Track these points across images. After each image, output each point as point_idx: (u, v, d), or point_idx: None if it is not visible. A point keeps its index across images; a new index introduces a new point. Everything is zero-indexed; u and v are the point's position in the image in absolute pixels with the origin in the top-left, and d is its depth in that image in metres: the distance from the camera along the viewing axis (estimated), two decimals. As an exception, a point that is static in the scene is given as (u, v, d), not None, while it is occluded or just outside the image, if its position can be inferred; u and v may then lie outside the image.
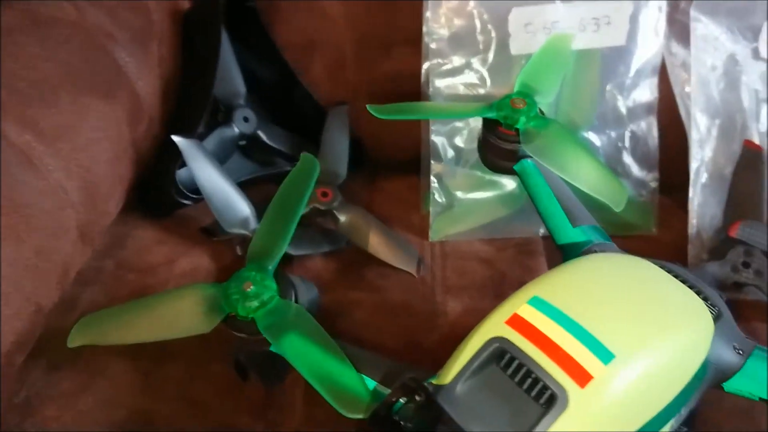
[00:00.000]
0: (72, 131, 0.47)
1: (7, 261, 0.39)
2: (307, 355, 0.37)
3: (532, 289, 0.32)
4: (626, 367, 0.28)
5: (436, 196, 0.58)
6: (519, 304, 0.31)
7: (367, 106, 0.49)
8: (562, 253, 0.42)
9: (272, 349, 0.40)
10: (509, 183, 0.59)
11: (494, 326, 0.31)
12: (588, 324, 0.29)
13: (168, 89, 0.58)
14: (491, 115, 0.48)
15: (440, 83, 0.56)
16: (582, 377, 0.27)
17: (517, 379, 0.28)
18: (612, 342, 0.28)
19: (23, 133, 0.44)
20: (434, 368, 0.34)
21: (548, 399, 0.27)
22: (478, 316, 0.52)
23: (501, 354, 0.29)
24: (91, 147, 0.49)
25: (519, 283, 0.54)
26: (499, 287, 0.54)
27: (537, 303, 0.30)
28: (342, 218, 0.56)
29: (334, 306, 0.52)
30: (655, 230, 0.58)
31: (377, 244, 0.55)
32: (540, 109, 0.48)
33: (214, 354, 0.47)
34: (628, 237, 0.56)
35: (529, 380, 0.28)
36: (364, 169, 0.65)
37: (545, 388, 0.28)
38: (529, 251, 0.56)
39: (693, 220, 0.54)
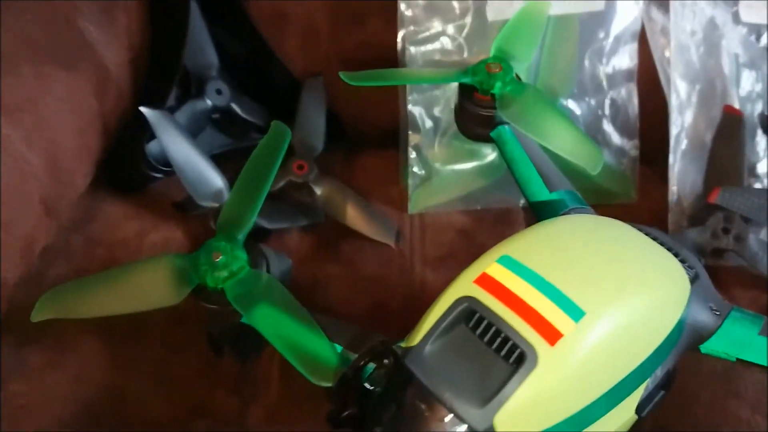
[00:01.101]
0: (34, 102, 0.46)
1: (-34, 234, 0.38)
2: (278, 325, 0.36)
3: (502, 248, 0.31)
4: (597, 324, 0.28)
5: (415, 168, 0.57)
6: (488, 264, 0.30)
7: (340, 73, 0.48)
8: (536, 214, 0.41)
9: (243, 320, 0.39)
10: (489, 153, 0.58)
11: (462, 286, 0.30)
12: (558, 282, 0.28)
13: (137, 61, 0.57)
14: (467, 80, 0.47)
15: (416, 51, 0.55)
16: (552, 335, 0.27)
17: (486, 338, 0.28)
18: (583, 299, 0.28)
19: (-18, 104, 0.43)
20: (405, 334, 0.33)
21: (517, 358, 0.27)
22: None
23: (470, 314, 0.29)
24: (56, 118, 0.47)
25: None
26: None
27: (506, 261, 0.30)
28: (318, 191, 0.55)
29: (309, 280, 0.51)
30: (635, 198, 0.57)
31: (354, 217, 0.54)
32: (516, 74, 0.47)
33: (188, 330, 0.46)
34: (609, 206, 0.56)
35: (499, 339, 0.27)
36: (342, 144, 0.64)
37: (514, 347, 0.27)
38: (509, 221, 0.56)
39: (673, 187, 0.54)
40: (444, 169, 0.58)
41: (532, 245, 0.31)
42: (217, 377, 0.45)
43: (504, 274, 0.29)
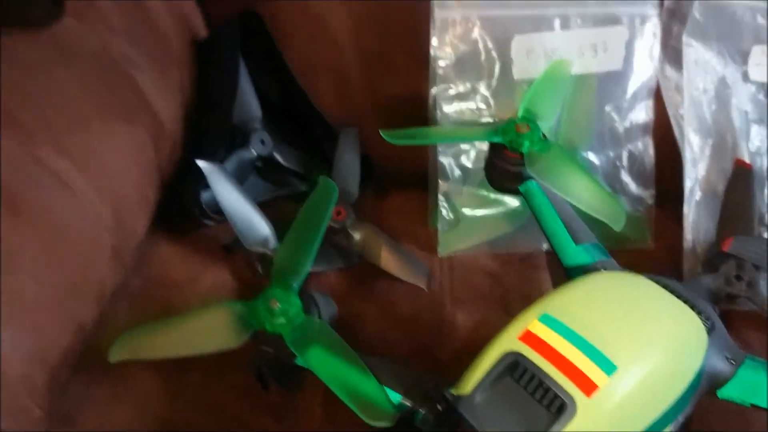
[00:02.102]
0: (102, 156, 0.50)
1: (51, 282, 0.42)
2: (332, 367, 0.40)
3: (542, 307, 0.35)
4: (627, 377, 0.31)
5: (444, 214, 0.61)
6: (530, 321, 0.34)
7: (381, 132, 0.52)
8: (566, 270, 0.45)
9: (298, 362, 0.42)
10: (513, 200, 0.61)
11: (508, 341, 0.34)
12: (592, 338, 0.32)
13: (187, 114, 0.61)
14: (497, 139, 0.50)
15: (448, 108, 0.59)
16: (588, 387, 0.30)
17: (529, 389, 0.31)
18: (614, 354, 0.32)
19: (59, 160, 0.47)
20: (444, 375, 0.36)
21: (558, 407, 0.30)
22: (484, 327, 0.55)
23: (515, 366, 0.32)
24: (120, 171, 0.51)
25: (523, 296, 0.58)
26: (505, 299, 0.57)
27: (547, 320, 0.33)
28: (355, 235, 0.58)
29: (346, 318, 0.54)
30: (651, 243, 0.61)
31: (388, 260, 0.58)
32: (543, 133, 0.51)
33: (233, 360, 0.48)
34: (626, 251, 0.59)
35: (541, 390, 0.31)
36: (372, 184, 0.67)
37: (555, 397, 0.31)
38: (533, 265, 0.59)
39: (688, 236, 0.57)
40: (471, 215, 0.62)
41: (568, 304, 0.35)
42: (262, 406, 0.48)
43: (545, 332, 0.33)
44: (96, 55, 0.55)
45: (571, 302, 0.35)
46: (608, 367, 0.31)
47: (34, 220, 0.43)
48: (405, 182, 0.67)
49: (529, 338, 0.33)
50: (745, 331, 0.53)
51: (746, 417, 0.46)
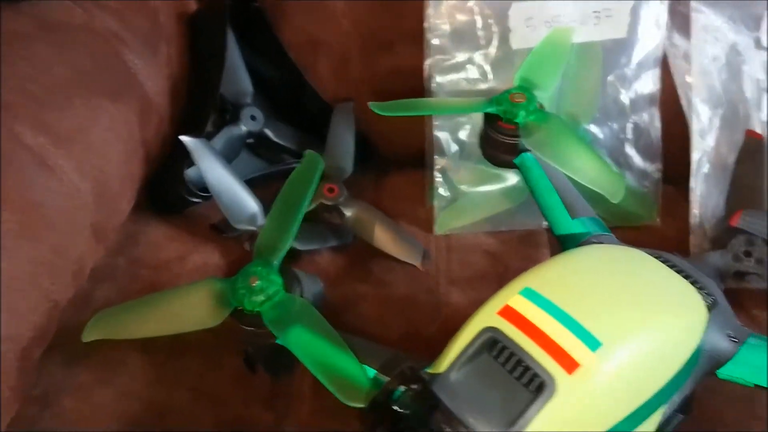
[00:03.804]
0: (84, 133, 0.49)
1: (26, 258, 0.41)
2: (311, 347, 0.38)
3: (524, 281, 0.33)
4: (613, 354, 0.29)
5: (441, 190, 0.59)
6: (510, 296, 0.32)
7: (370, 103, 0.50)
8: (560, 244, 0.43)
9: (278, 341, 0.41)
10: (513, 176, 0.59)
11: (486, 317, 0.32)
12: (576, 313, 0.30)
13: (176, 90, 0.60)
14: (491, 109, 0.48)
15: (442, 79, 0.57)
16: (570, 365, 0.29)
17: (508, 367, 0.29)
18: (599, 330, 0.29)
19: (38, 136, 0.46)
20: (434, 358, 0.35)
21: (538, 386, 0.29)
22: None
23: (493, 343, 0.30)
24: (103, 148, 0.50)
25: (522, 275, 0.55)
26: (503, 279, 0.53)
27: (528, 294, 0.31)
28: (348, 213, 0.57)
29: (340, 300, 0.53)
30: (658, 220, 0.59)
31: (383, 238, 0.56)
32: (540, 103, 0.49)
33: (225, 347, 0.48)
34: (632, 228, 0.57)
35: (520, 368, 0.29)
36: (371, 166, 0.66)
37: (535, 375, 0.29)
38: (533, 243, 0.57)
39: (695, 210, 0.55)
40: (469, 192, 0.60)
41: (552, 278, 0.33)
42: (253, 393, 0.47)
43: (525, 306, 0.31)
44: (80, 29, 0.54)
45: (557, 275, 0.33)
46: (593, 344, 0.29)
47: (8, 195, 0.42)
48: (404, 163, 0.65)
49: (509, 313, 0.31)
50: (753, 310, 0.50)
51: (754, 402, 0.44)
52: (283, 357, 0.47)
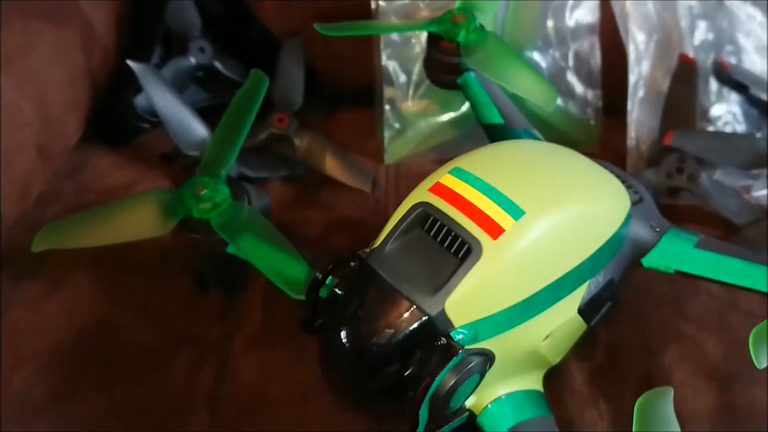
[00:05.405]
0: (24, 54, 0.49)
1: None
2: (259, 249, 0.39)
3: (455, 162, 0.34)
4: (535, 222, 0.31)
5: (390, 120, 0.60)
6: (441, 174, 0.33)
7: (315, 25, 0.51)
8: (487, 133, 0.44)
9: (228, 250, 0.42)
10: (460, 105, 0.61)
11: (419, 193, 0.33)
12: (503, 187, 0.32)
13: (120, 20, 0.59)
14: (433, 29, 0.49)
15: (387, 5, 0.58)
16: (494, 230, 0.30)
17: (439, 238, 0.31)
18: (523, 201, 0.31)
19: (-25, 55, 0.46)
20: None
21: (465, 252, 0.30)
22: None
23: (425, 217, 0.32)
24: (44, 71, 0.50)
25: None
26: None
27: (457, 172, 0.33)
28: (298, 142, 0.58)
29: (290, 224, 0.54)
30: (596, 147, 0.61)
31: (333, 166, 0.57)
32: (480, 24, 0.50)
33: (173, 269, 0.48)
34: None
35: (449, 238, 0.31)
36: (321, 102, 0.66)
37: (462, 242, 0.30)
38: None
39: (632, 133, 0.57)
40: (418, 121, 0.61)
41: (482, 159, 0.35)
42: (202, 310, 0.48)
43: (455, 182, 0.32)
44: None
45: (486, 157, 0.35)
46: (516, 212, 0.31)
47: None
48: (354, 100, 0.65)
49: (439, 189, 0.32)
50: (686, 224, 0.52)
51: (680, 303, 0.46)
52: (235, 274, 0.48)
